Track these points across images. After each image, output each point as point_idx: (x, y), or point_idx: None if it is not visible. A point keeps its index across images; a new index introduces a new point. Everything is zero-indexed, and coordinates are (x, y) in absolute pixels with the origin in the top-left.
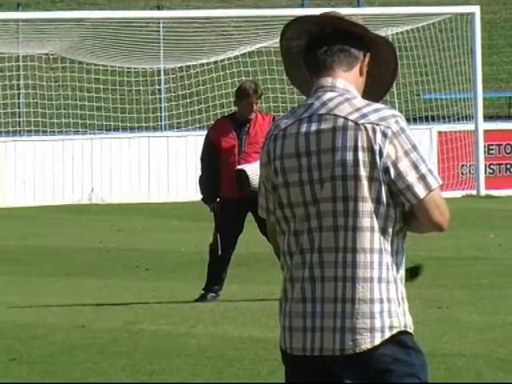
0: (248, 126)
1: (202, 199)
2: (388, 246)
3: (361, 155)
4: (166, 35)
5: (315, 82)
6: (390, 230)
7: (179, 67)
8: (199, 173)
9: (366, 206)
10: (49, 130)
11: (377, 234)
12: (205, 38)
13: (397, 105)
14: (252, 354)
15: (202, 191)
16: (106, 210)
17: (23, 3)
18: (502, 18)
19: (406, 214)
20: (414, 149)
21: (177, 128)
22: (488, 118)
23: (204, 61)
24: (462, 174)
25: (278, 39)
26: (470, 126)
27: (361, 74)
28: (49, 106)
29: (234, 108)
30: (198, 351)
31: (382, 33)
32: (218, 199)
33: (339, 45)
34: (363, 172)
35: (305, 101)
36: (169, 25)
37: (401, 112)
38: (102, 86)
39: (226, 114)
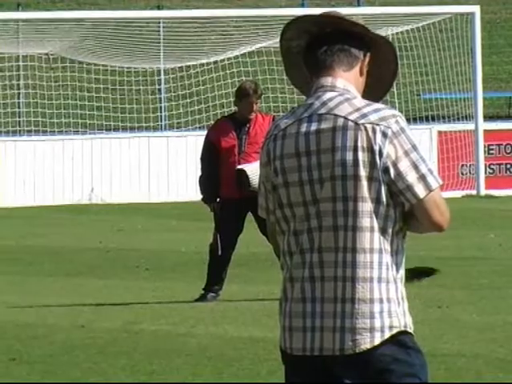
0: (248, 125)
1: (202, 199)
2: (388, 246)
3: (361, 155)
4: (166, 35)
5: (315, 82)
6: (390, 230)
7: (179, 67)
8: (199, 173)
9: (366, 206)
10: (49, 129)
11: (376, 234)
12: (205, 38)
13: (397, 105)
14: (252, 353)
15: (202, 191)
16: (106, 210)
17: (23, 3)
18: (502, 18)
19: (405, 214)
20: (414, 149)
21: (177, 128)
22: (488, 117)
23: (204, 61)
24: (462, 173)
25: (277, 39)
26: (470, 126)
27: (361, 73)
28: (49, 106)
29: (233, 108)
30: (198, 351)
31: (382, 32)
32: (218, 199)
33: (339, 45)
34: (363, 172)
35: (305, 101)
36: (169, 25)
37: (401, 112)
38: (101, 86)
39: (226, 113)
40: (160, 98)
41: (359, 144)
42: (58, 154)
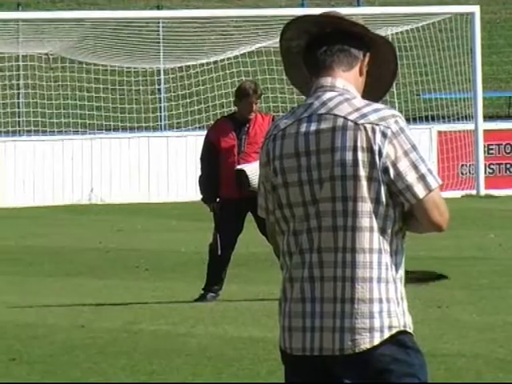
0: (248, 125)
1: (202, 199)
2: (387, 246)
3: (360, 155)
4: (166, 35)
5: (315, 82)
6: (390, 230)
7: (179, 67)
8: (199, 173)
9: (366, 206)
10: (48, 129)
11: (376, 234)
12: (205, 38)
13: (397, 105)
14: (252, 353)
15: (202, 191)
16: (106, 210)
17: (23, 3)
18: (502, 18)
19: (405, 214)
20: (414, 149)
21: (176, 128)
22: (488, 117)
23: (204, 61)
24: (462, 173)
25: (277, 39)
26: (469, 126)
27: (360, 73)
28: (48, 106)
29: (233, 108)
30: (198, 351)
31: (381, 32)
32: (218, 199)
33: (339, 45)
34: (362, 172)
35: (304, 101)
36: (169, 25)
37: (401, 112)
38: (101, 86)
39: (226, 114)
40: (160, 98)
41: (359, 144)
42: (57, 154)
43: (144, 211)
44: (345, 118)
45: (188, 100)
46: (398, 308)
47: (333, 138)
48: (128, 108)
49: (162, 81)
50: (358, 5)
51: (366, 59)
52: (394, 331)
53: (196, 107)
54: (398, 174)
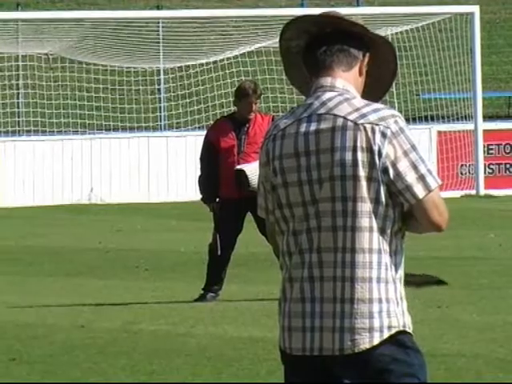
0: (247, 125)
1: (202, 199)
2: (387, 246)
3: (360, 155)
4: (166, 35)
5: (314, 82)
6: (389, 230)
7: (179, 67)
8: (199, 173)
9: (365, 206)
10: (48, 129)
11: (375, 234)
12: (204, 38)
13: (396, 105)
14: (251, 353)
15: (202, 191)
16: (106, 210)
17: (23, 3)
18: (502, 18)
19: (404, 214)
20: (414, 149)
21: (176, 128)
22: (487, 117)
23: (203, 61)
24: (462, 173)
25: (277, 39)
26: (469, 126)
27: (360, 73)
28: (48, 106)
29: (233, 108)
30: (198, 351)
31: (381, 32)
32: (218, 199)
33: (339, 45)
34: (362, 172)
35: (304, 101)
36: (168, 25)
37: (400, 112)
38: (101, 86)
39: (226, 113)
40: (159, 98)
41: (358, 144)
42: (57, 154)
43: (144, 211)
44: (344, 118)
45: (188, 100)
46: (397, 308)
47: (332, 138)
48: (128, 108)
49: (162, 81)
50: (358, 5)
51: (366, 59)
52: (393, 331)
53: (196, 107)
54: (398, 174)
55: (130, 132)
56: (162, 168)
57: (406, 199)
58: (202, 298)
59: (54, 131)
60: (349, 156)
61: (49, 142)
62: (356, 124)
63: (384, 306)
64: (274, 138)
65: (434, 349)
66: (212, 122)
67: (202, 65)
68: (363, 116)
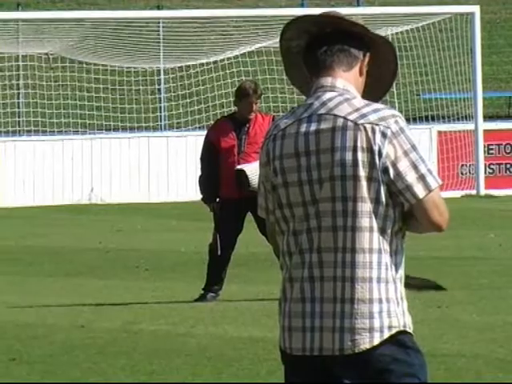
0: (248, 125)
1: (202, 199)
2: (387, 246)
3: (360, 155)
4: (166, 35)
5: (315, 82)
6: (389, 230)
7: (179, 67)
8: (199, 173)
9: (365, 206)
10: (48, 129)
11: (376, 234)
12: (204, 38)
13: (396, 105)
14: (251, 353)
15: (202, 191)
16: (106, 210)
17: (23, 3)
18: (502, 18)
19: (405, 214)
20: (414, 149)
21: (176, 128)
22: (488, 117)
23: (204, 61)
24: (462, 173)
25: (277, 39)
26: (469, 126)
27: (360, 73)
28: (48, 106)
29: (233, 108)
30: (198, 351)
31: (381, 32)
32: (218, 199)
33: (339, 45)
34: (362, 172)
35: (304, 101)
36: (169, 25)
37: (401, 112)
38: (101, 86)
39: (226, 113)
40: (160, 98)
41: (358, 144)
42: (57, 154)
43: (144, 211)
44: (345, 118)
45: (188, 100)
46: (397, 308)
47: (333, 138)
48: (128, 108)
49: (162, 81)
50: (358, 5)
51: (366, 59)
52: (393, 331)
53: (196, 107)
54: (398, 174)
55: (131, 132)
56: (162, 168)
57: (407, 199)
58: (202, 298)
59: (54, 131)
60: (349, 156)
61: (49, 142)
62: (356, 124)
63: (384, 306)
64: (274, 138)
65: (434, 349)
66: (212, 122)
67: (202, 65)
68: (363, 116)
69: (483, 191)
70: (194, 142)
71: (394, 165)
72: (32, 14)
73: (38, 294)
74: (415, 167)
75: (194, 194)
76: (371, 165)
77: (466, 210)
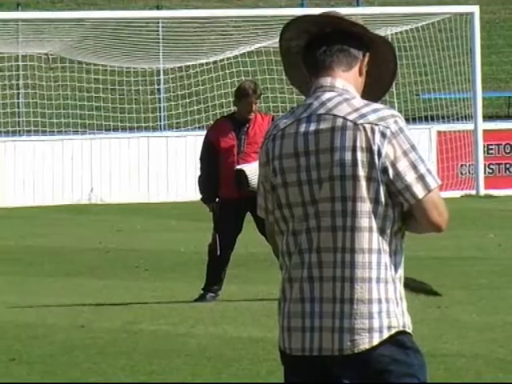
0: (247, 126)
1: (201, 199)
2: (386, 246)
3: (359, 155)
4: (166, 35)
5: (314, 82)
6: (389, 231)
7: (178, 67)
8: (198, 173)
9: (365, 207)
10: (48, 130)
11: (375, 235)
12: (204, 38)
13: (396, 105)
14: (251, 354)
15: (201, 191)
16: (106, 210)
17: (23, 3)
18: (502, 18)
19: (404, 214)
20: (413, 149)
21: (176, 128)
22: (487, 117)
23: (203, 61)
24: (462, 173)
25: (277, 39)
26: (469, 126)
27: (360, 73)
28: (48, 106)
29: (233, 108)
30: (198, 351)
31: (381, 32)
32: (217, 199)
33: (338, 45)
34: (362, 172)
35: (304, 101)
36: (168, 25)
37: (400, 112)
38: (101, 86)
39: (226, 114)
40: (159, 98)
41: (358, 144)
42: (57, 154)
43: (143, 211)
44: (344, 118)
45: (187, 100)
46: (397, 308)
47: (332, 138)
48: (128, 108)
49: (162, 81)
50: (358, 5)
51: (366, 59)
52: (393, 331)
53: (195, 107)
54: (397, 174)
55: (130, 132)
56: (161, 168)
57: (406, 199)
58: (201, 298)
59: (54, 131)
60: (348, 156)
61: (49, 142)
62: (355, 124)
63: (384, 306)
64: (273, 138)
65: (434, 349)
66: (212, 122)
67: (201, 65)
68: (363, 116)
69: (483, 191)
70: (193, 142)
71: (394, 165)
72: (32, 14)
73: (38, 294)
74: (414, 167)
75: (194, 194)
76: (370, 165)
77: (465, 210)
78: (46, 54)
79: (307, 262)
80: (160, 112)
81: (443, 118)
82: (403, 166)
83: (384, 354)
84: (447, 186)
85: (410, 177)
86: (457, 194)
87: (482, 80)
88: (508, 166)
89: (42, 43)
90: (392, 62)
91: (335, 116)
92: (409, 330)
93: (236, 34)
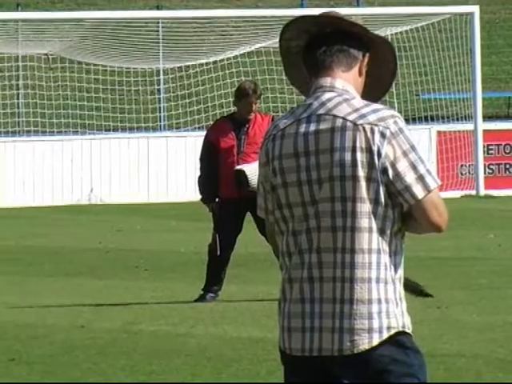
0: (247, 126)
1: (201, 199)
2: (386, 247)
3: (359, 156)
4: (166, 35)
5: (314, 82)
6: (389, 231)
7: (178, 67)
8: (198, 173)
9: (364, 207)
10: (48, 130)
11: (375, 235)
12: (204, 38)
13: (396, 105)
14: (251, 354)
15: (201, 191)
16: (106, 211)
17: (23, 3)
18: (501, 18)
19: (404, 215)
20: (413, 149)
21: (176, 128)
22: (487, 118)
23: (203, 61)
24: (462, 174)
25: (277, 39)
26: (469, 126)
27: (360, 74)
28: (48, 106)
29: (233, 108)
30: (198, 351)
31: (381, 33)
32: (217, 199)
33: (338, 45)
34: (361, 172)
35: (304, 101)
36: (168, 25)
37: (400, 112)
38: (101, 86)
39: (226, 114)
40: (159, 99)
41: (358, 144)
42: (57, 155)
43: (143, 211)
44: (344, 118)
45: (187, 100)
46: (396, 309)
47: (332, 138)
48: (127, 108)
49: (162, 81)
50: (358, 5)
51: (366, 59)
52: (392, 332)
53: (195, 107)
54: (397, 174)
55: (130, 132)
56: (161, 168)
57: (406, 199)
58: (201, 299)
59: (54, 131)
60: (348, 156)
61: (49, 142)
62: (355, 124)
63: (383, 306)
64: (273, 138)
65: (434, 349)
66: (212, 122)
67: (201, 65)
68: (362, 116)
69: (483, 191)
70: (193, 142)
71: (393, 165)
72: (31, 14)
73: (38, 294)
74: (414, 168)
75: (194, 195)
76: (370, 165)
77: (465, 210)
78: (46, 54)
79: (307, 262)
80: (160, 112)
81: (443, 118)
82: (403, 166)
83: (384, 354)
84: (447, 186)
85: (409, 177)
86: (457, 194)
87: (482, 80)
88: (508, 166)
89: (42, 43)
90: (392, 62)
91: (335, 116)
92: (408, 330)
93: (236, 34)
